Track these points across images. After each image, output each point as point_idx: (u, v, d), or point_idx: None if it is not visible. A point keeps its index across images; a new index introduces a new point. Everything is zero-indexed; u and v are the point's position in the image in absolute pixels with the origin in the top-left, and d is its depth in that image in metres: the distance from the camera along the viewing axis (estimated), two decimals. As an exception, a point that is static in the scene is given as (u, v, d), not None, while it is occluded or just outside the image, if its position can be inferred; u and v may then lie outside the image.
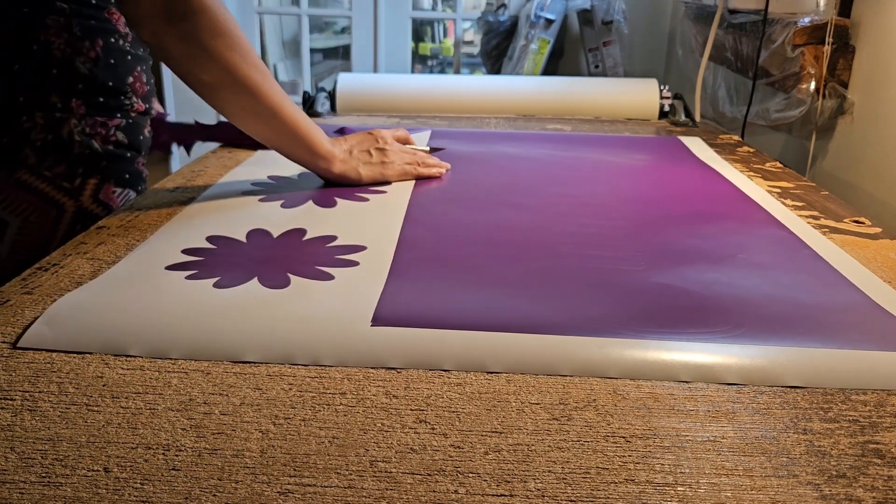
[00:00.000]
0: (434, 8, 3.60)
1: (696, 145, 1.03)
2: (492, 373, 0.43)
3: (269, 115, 0.67)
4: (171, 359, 0.44)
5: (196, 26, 0.61)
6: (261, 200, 0.72)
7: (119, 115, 0.78)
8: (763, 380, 0.43)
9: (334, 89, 1.25)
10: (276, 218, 0.67)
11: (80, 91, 0.74)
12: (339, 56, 3.27)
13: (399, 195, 0.75)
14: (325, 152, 0.73)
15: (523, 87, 1.31)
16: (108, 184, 0.77)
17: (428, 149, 0.92)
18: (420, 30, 3.81)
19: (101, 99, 0.76)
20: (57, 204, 0.74)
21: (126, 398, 0.40)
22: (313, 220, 0.67)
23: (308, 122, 0.71)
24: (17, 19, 0.70)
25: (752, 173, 0.90)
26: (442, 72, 3.59)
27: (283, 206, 0.70)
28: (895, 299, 0.53)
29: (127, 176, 0.79)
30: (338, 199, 0.73)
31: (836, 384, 0.43)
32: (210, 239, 0.61)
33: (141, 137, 0.81)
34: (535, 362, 0.44)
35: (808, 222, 0.71)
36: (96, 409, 0.39)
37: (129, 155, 0.79)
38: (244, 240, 0.61)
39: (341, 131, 0.93)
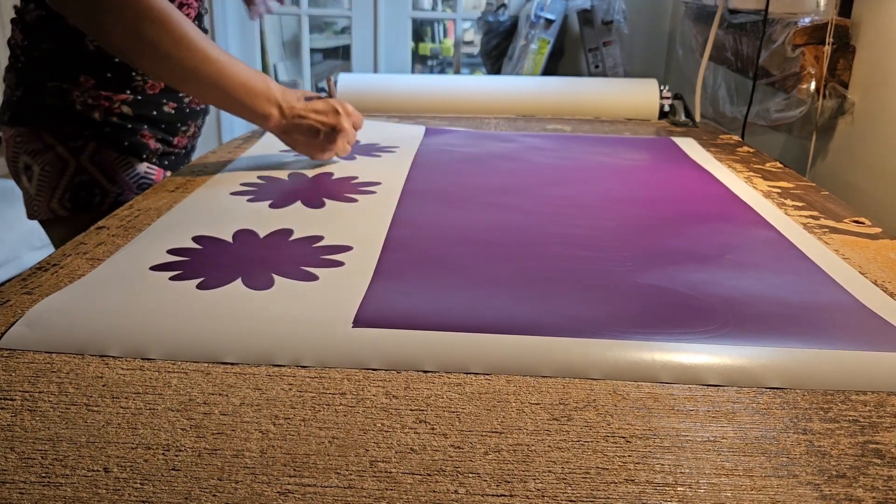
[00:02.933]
0: (434, 8, 3.60)
1: (690, 146, 1.03)
2: (475, 373, 0.43)
3: (190, 78, 0.73)
4: (149, 359, 0.43)
5: None
6: (249, 201, 0.72)
7: (128, 91, 0.86)
8: (744, 381, 0.42)
9: (334, 89, 1.25)
10: (263, 218, 0.67)
11: (88, 67, 0.83)
12: (339, 56, 3.27)
13: (389, 195, 0.75)
14: (261, 113, 0.78)
15: (523, 87, 1.31)
16: (106, 148, 0.86)
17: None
18: (420, 30, 3.81)
19: (109, 75, 0.84)
20: (62, 159, 0.86)
21: (126, 398, 0.40)
22: (301, 220, 0.67)
23: (243, 83, 0.75)
24: (47, 6, 0.80)
25: (752, 173, 0.90)
26: (442, 72, 3.59)
27: (271, 206, 0.70)
28: (881, 299, 0.53)
29: (126, 144, 0.87)
30: (326, 200, 0.73)
31: (817, 386, 0.42)
32: (196, 239, 0.61)
33: (155, 112, 0.88)
34: (515, 364, 0.43)
35: (808, 222, 0.71)
36: (96, 409, 0.39)
37: (130, 126, 0.87)
38: (230, 240, 0.61)
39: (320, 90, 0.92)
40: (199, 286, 0.52)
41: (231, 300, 0.50)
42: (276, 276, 0.54)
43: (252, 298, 0.50)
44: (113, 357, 0.44)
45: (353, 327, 0.46)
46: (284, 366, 0.43)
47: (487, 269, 0.57)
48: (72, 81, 0.83)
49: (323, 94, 0.85)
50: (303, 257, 0.58)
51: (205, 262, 0.56)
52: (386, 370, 0.43)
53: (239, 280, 0.53)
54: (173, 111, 0.91)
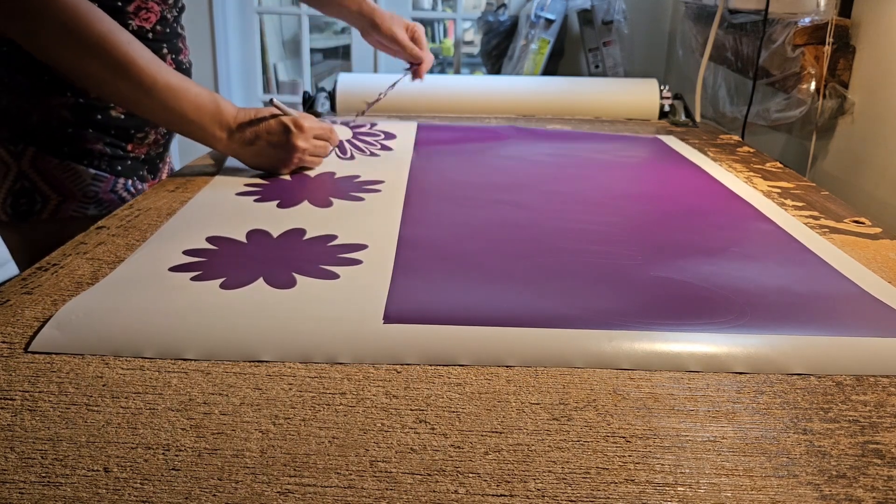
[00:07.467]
0: (434, 8, 3.61)
1: (675, 143, 1.04)
2: (493, 372, 0.43)
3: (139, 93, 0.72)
4: (185, 359, 0.43)
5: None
6: (256, 201, 0.72)
7: (70, 94, 0.81)
8: (769, 368, 0.44)
9: (334, 89, 1.25)
10: (273, 218, 0.67)
11: (24, 68, 0.79)
12: (339, 56, 3.27)
13: (394, 194, 0.76)
14: (210, 136, 0.77)
15: (523, 87, 1.31)
16: (46, 154, 0.82)
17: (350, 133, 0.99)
18: (420, 30, 3.81)
19: (47, 78, 0.79)
20: (5, 162, 0.82)
21: (126, 398, 0.40)
22: (311, 219, 0.67)
23: (193, 107, 0.74)
24: None
25: (752, 173, 0.90)
26: (442, 72, 3.59)
27: (279, 206, 0.71)
28: (881, 287, 0.55)
29: (66, 149, 0.82)
30: (333, 199, 0.73)
31: (840, 371, 0.44)
32: (210, 240, 0.61)
33: (100, 117, 0.83)
34: (551, 356, 0.44)
35: (808, 222, 0.71)
36: (96, 409, 0.39)
37: (70, 131, 0.82)
38: (244, 240, 0.61)
39: (270, 101, 0.85)
40: (221, 286, 0.52)
41: (257, 299, 0.50)
42: (297, 276, 0.54)
43: (277, 297, 0.50)
44: (117, 357, 0.44)
45: (384, 323, 0.47)
46: (284, 364, 0.43)
47: (503, 264, 0.58)
48: (10, 83, 0.79)
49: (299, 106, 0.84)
50: (320, 256, 0.58)
51: (223, 263, 0.56)
52: (386, 369, 0.43)
53: (261, 279, 0.53)
54: (123, 116, 0.85)
